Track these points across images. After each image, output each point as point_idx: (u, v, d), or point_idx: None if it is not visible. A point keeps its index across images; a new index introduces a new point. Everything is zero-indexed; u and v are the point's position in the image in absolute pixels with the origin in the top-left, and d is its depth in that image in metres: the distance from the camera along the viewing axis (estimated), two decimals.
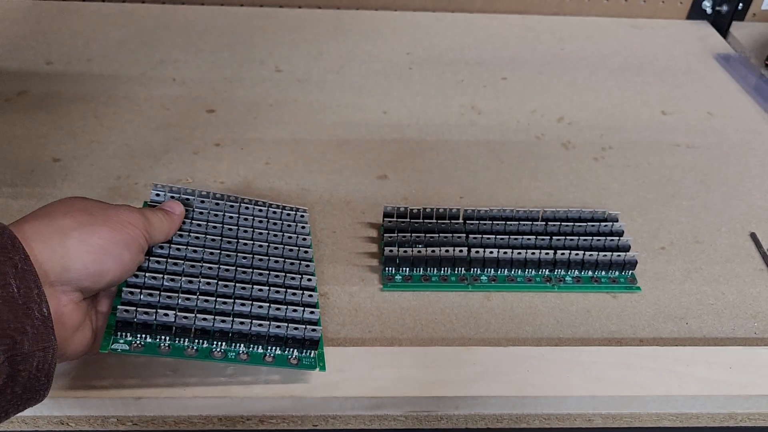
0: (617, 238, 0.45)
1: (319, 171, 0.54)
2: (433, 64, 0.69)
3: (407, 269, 0.44)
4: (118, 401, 0.36)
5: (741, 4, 0.79)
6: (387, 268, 0.44)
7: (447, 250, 0.43)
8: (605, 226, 0.46)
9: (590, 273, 0.44)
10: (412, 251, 0.43)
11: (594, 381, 0.38)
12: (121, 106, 0.60)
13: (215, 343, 0.35)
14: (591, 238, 0.45)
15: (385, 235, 0.45)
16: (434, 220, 0.46)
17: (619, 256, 0.44)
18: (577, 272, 0.44)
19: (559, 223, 0.46)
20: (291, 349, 0.36)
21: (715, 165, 0.57)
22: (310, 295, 0.38)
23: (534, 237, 0.44)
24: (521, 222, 0.46)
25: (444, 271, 0.44)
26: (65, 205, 0.34)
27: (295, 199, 0.50)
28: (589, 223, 0.46)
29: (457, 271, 0.44)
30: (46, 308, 0.28)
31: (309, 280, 0.40)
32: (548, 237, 0.44)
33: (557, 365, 0.38)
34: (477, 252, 0.43)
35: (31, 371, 0.27)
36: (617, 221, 0.47)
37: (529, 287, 0.44)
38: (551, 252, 0.44)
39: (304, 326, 0.36)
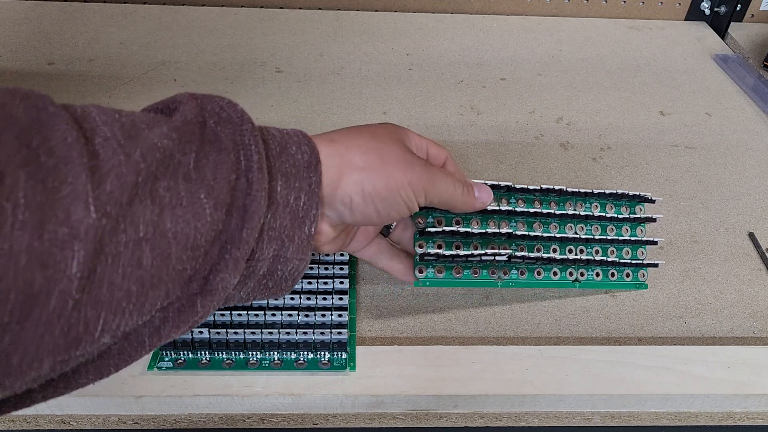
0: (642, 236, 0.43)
1: None
2: (432, 64, 0.69)
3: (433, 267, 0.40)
4: (118, 400, 0.36)
5: (739, 5, 0.79)
6: (419, 265, 0.40)
7: (482, 250, 0.39)
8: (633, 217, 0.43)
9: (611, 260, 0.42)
10: (443, 252, 0.38)
11: (593, 380, 0.38)
12: (122, 107, 0.59)
13: (250, 353, 0.37)
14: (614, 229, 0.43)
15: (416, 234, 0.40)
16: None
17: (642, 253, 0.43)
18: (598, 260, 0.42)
19: (586, 213, 0.42)
20: (322, 352, 0.37)
21: (713, 165, 0.57)
22: (341, 298, 0.40)
23: (559, 233, 0.41)
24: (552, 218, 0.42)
25: (474, 263, 0.40)
26: (373, 138, 0.34)
27: None
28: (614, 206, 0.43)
29: (489, 263, 0.40)
30: (315, 228, 0.31)
31: (341, 283, 0.41)
32: (577, 224, 0.42)
33: (556, 364, 0.39)
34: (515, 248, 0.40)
35: (285, 273, 0.31)
36: (653, 201, 0.43)
37: (554, 284, 0.42)
38: (576, 249, 0.42)
39: (331, 330, 0.37)
